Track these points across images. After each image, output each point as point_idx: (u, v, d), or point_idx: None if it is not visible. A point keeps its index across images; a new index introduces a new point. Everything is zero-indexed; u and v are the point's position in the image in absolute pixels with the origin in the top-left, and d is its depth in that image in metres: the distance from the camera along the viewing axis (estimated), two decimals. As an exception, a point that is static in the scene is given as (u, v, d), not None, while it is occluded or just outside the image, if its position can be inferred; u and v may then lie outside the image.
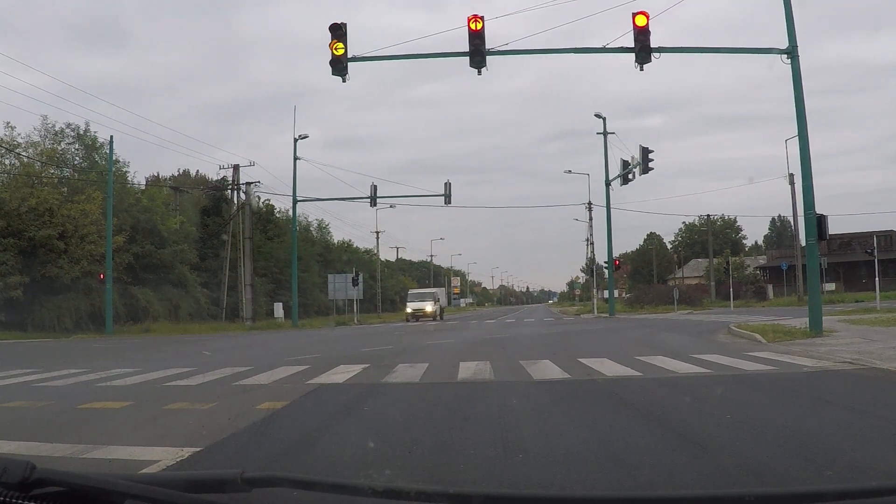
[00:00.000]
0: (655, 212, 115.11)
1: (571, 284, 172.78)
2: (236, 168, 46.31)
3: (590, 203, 49.59)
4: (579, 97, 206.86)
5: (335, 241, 79.32)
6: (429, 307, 48.71)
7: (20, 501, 1.59)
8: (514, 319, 45.38)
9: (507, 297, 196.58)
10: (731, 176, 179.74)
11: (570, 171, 64.26)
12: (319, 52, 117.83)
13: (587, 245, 68.42)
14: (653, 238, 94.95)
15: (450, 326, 33.92)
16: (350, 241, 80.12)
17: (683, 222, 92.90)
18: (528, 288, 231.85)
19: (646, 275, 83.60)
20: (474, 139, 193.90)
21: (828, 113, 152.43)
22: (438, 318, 48.74)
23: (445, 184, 41.01)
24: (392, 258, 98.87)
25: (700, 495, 2.02)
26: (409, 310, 49.40)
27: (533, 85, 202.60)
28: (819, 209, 16.95)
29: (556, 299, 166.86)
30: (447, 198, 40.78)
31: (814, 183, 17.20)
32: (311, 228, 73.48)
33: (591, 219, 50.90)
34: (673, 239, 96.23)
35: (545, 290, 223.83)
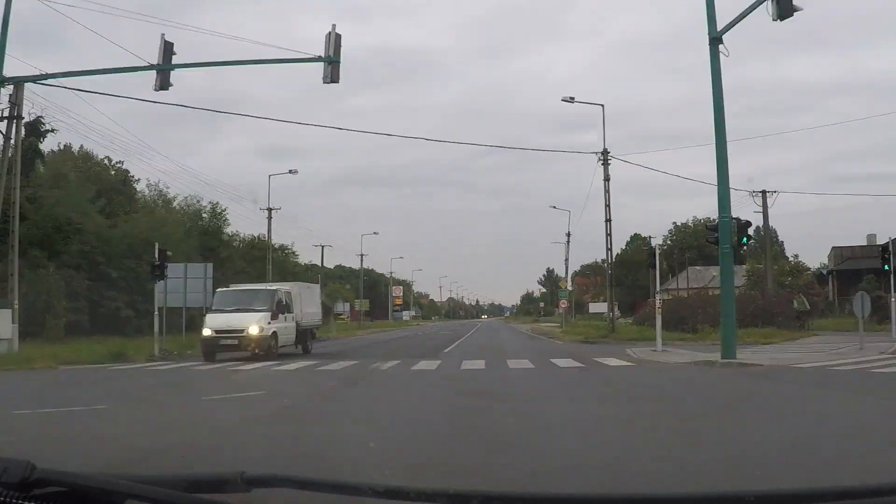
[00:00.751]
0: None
1: (527, 298, 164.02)
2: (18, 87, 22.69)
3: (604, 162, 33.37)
4: (514, 111, 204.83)
5: (234, 233, 55.51)
6: (253, 327, 20.95)
7: (20, 501, 1.59)
8: (476, 348, 27.54)
9: (455, 311, 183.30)
10: (673, 193, 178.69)
11: (554, 206, 57.54)
12: (249, 56, 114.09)
13: (566, 244, 59.21)
14: (637, 240, 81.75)
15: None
16: (260, 235, 54.18)
17: (674, 223, 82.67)
18: (478, 301, 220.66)
19: (629, 285, 74.73)
20: (408, 151, 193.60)
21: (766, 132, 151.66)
22: (274, 350, 21.66)
23: (328, 35, 20.24)
24: (323, 261, 74.77)
25: (700, 495, 2.02)
26: (206, 332, 21.45)
27: (465, 98, 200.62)
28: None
29: (510, 313, 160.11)
30: (330, 59, 20.01)
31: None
32: (190, 206, 51.25)
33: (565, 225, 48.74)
34: (662, 242, 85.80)
35: (496, 303, 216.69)
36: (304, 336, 24.68)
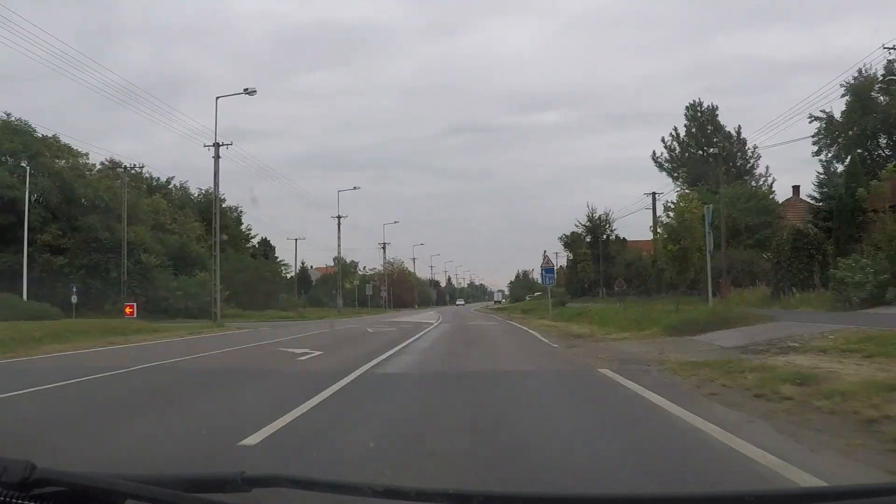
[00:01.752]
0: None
1: (521, 279, 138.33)
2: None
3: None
4: (473, 89, 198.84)
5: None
6: None
7: (20, 501, 1.59)
8: None
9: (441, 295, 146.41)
10: (632, 176, 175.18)
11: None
12: (199, 37, 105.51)
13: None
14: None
15: None
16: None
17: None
18: (471, 281, 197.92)
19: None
20: (369, 133, 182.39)
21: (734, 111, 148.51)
22: None
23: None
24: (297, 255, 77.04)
25: (700, 495, 2.02)
26: None
27: (422, 76, 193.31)
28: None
29: (501, 297, 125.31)
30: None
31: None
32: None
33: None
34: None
35: (477, 284, 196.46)
36: None
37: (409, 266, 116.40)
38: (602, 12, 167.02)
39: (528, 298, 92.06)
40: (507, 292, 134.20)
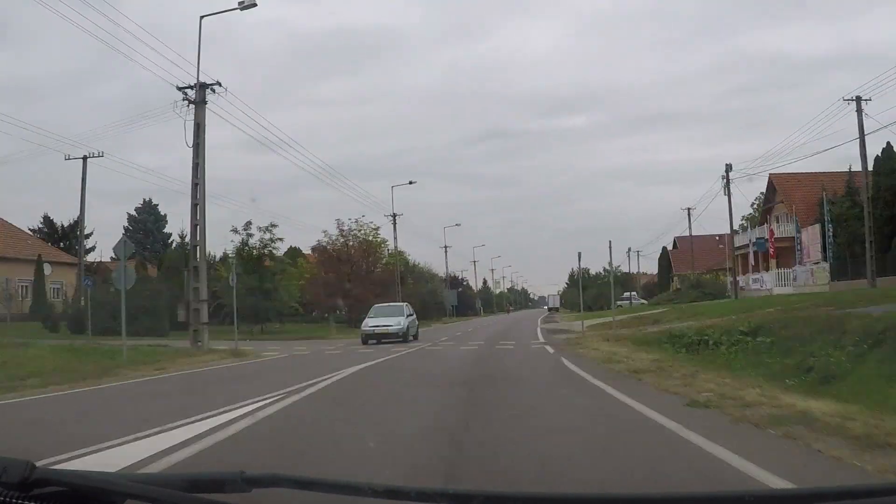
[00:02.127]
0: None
1: (578, 279, 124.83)
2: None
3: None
4: (495, 94, 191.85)
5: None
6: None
7: (20, 501, 1.59)
8: None
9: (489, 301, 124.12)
10: (665, 179, 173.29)
11: None
12: (214, 46, 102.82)
13: None
14: None
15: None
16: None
17: None
18: (523, 289, 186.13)
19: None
20: (392, 140, 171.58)
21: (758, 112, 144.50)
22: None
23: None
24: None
25: (700, 495, 2.02)
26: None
27: (443, 82, 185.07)
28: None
29: (556, 302, 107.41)
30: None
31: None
32: None
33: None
34: None
35: (519, 288, 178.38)
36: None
37: (469, 271, 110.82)
38: (622, 10, 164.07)
39: (623, 304, 55.65)
40: (558, 298, 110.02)
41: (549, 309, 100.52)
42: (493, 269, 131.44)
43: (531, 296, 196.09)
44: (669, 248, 77.20)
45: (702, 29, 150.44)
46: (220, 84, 24.90)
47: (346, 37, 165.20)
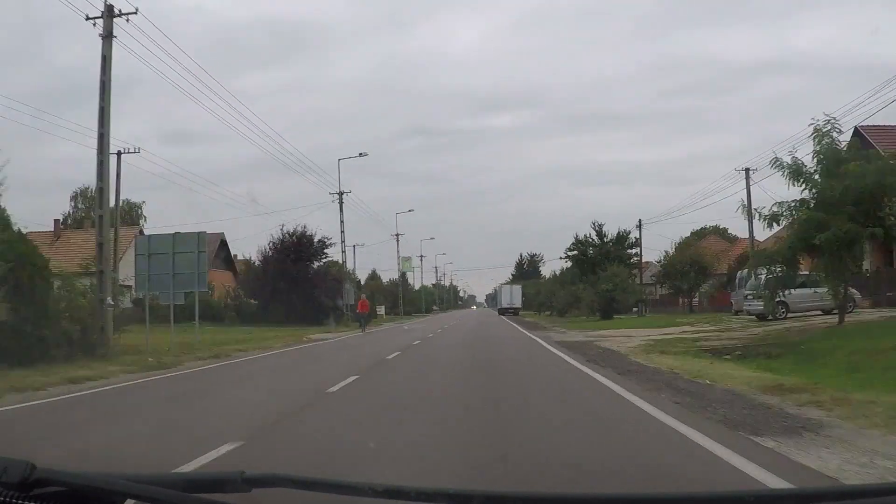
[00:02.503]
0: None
1: (526, 264, 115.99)
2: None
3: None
4: (424, 90, 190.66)
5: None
6: None
7: (20, 501, 1.59)
8: None
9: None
10: (595, 180, 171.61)
11: None
12: (132, 33, 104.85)
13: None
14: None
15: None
16: None
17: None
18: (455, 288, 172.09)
19: None
20: (319, 135, 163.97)
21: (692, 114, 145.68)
22: None
23: None
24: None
25: (700, 495, 2.02)
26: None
27: (372, 76, 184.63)
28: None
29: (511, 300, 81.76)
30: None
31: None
32: None
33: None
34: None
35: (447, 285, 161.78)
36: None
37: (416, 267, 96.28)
38: (553, 7, 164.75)
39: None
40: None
41: (503, 310, 74.44)
42: (421, 256, 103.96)
43: (461, 294, 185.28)
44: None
45: (639, 29, 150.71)
46: (136, 12, 20.19)
47: (268, 27, 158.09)
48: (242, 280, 54.83)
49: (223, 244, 61.24)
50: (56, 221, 50.88)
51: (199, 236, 21.94)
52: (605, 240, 55.31)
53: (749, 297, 27.80)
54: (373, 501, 1.71)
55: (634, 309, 46.63)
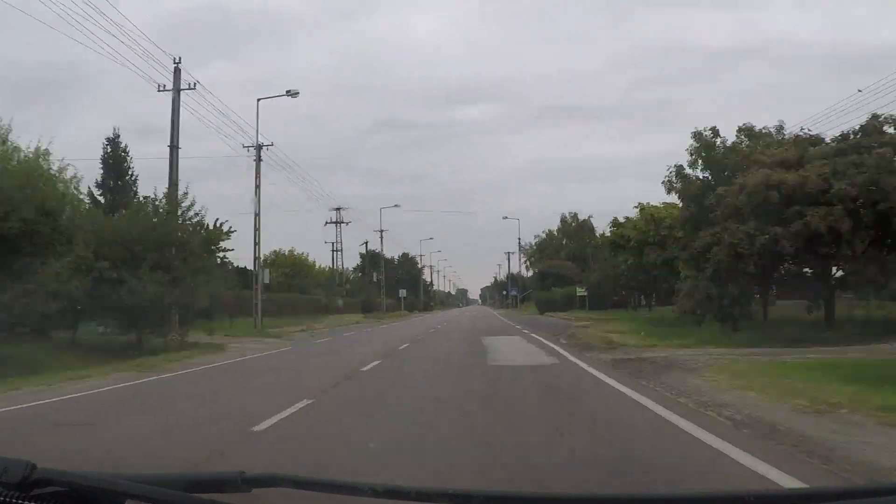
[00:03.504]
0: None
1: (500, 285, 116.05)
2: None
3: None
4: (386, 83, 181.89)
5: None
6: None
7: (20, 501, 1.59)
8: None
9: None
10: (571, 176, 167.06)
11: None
12: (89, 23, 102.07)
13: None
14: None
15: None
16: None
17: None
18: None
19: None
20: (287, 130, 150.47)
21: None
22: None
23: None
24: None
25: (701, 495, 2.02)
26: None
27: (335, 69, 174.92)
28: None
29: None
30: None
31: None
32: None
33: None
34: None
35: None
36: None
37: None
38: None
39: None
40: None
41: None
42: (422, 255, 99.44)
43: (448, 290, 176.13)
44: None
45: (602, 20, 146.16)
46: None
47: (221, 15, 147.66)
48: None
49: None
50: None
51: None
52: None
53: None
54: (373, 501, 1.71)
55: None
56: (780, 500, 1.72)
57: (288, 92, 32.93)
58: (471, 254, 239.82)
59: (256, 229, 32.96)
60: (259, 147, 33.36)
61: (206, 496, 1.69)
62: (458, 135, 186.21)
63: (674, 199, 27.95)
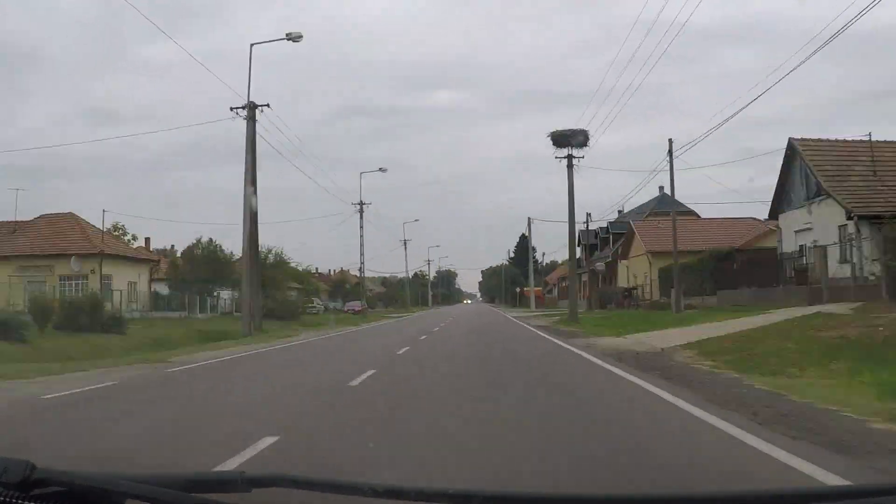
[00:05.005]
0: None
1: (498, 272, 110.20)
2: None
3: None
4: (354, 65, 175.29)
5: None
6: None
7: (20, 501, 1.59)
8: None
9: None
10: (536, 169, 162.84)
11: None
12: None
13: None
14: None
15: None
16: None
17: None
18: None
19: None
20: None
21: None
22: None
23: None
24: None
25: (700, 495, 2.02)
26: None
27: (293, 48, 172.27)
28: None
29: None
30: None
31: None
32: None
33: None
34: None
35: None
36: None
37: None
38: None
39: None
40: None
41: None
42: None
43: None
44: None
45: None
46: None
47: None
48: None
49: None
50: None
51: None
52: None
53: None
54: (373, 501, 1.71)
55: None
56: (781, 500, 1.72)
57: (288, 35, 28.04)
58: (470, 247, 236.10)
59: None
60: (252, 107, 27.73)
61: (206, 496, 1.69)
62: (440, 121, 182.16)
63: None
